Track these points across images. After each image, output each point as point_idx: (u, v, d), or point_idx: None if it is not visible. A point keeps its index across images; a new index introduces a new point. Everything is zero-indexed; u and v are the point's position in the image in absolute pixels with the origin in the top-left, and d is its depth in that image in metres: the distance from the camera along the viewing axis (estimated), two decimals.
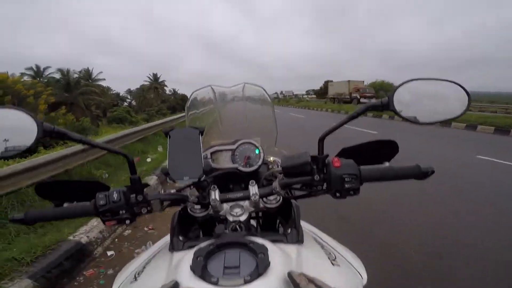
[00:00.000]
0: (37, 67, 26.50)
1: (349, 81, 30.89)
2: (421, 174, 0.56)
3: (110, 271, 2.18)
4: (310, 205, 3.01)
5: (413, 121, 0.55)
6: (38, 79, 24.26)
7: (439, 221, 2.91)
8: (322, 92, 57.15)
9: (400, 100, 0.54)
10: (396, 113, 0.54)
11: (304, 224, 0.73)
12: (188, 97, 1.05)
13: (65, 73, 24.70)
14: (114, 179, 4.37)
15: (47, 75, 26.48)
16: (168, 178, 0.58)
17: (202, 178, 0.60)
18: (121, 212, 0.55)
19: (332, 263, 0.59)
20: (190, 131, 0.63)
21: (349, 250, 0.74)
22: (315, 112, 23.44)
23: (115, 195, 0.55)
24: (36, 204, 2.93)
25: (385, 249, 2.41)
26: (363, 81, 33.54)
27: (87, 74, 30.99)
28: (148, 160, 5.64)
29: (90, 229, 2.50)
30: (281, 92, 71.79)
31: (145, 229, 2.95)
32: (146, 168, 4.88)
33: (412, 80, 0.55)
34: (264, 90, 1.03)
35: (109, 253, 2.46)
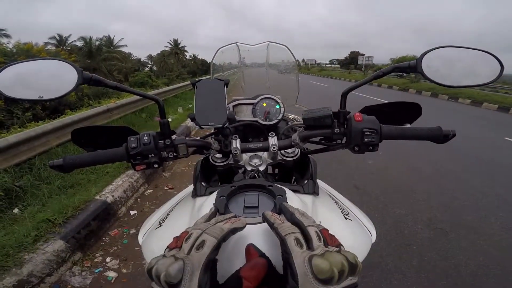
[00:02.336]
0: (60, 36, 27.16)
1: None
2: (442, 136, 0.56)
3: (133, 231, 2.32)
4: (328, 176, 3.05)
5: (440, 83, 0.54)
6: (62, 47, 24.92)
7: (451, 199, 2.86)
8: (347, 62, 54.79)
9: (429, 64, 0.54)
10: (423, 75, 0.54)
11: (319, 182, 0.76)
12: (214, 53, 1.06)
13: (87, 41, 25.12)
14: None
15: (70, 43, 27.17)
16: (194, 123, 0.61)
17: (226, 125, 0.62)
18: (150, 156, 0.57)
19: (344, 217, 0.61)
20: (216, 82, 0.65)
21: (360, 210, 0.76)
22: (338, 81, 22.63)
23: (145, 138, 0.57)
24: None
25: (393, 219, 2.44)
26: None
27: (108, 41, 31.32)
28: (169, 120, 5.78)
29: (115, 188, 2.62)
30: (303, 60, 69.35)
31: (165, 188, 3.08)
32: None
33: (443, 46, 0.54)
34: (289, 49, 1.03)
35: (132, 212, 2.59)
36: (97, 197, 2.43)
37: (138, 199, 2.85)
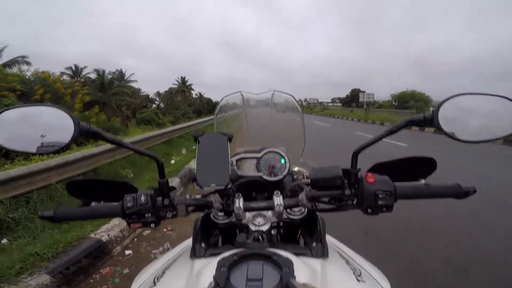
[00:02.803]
0: (76, 66, 28.33)
1: None
2: (462, 193, 0.53)
3: (126, 271, 2.19)
4: (336, 220, 2.93)
5: (460, 139, 0.50)
6: (76, 78, 26.00)
7: (467, 236, 2.76)
8: (348, 100, 56.30)
9: (446, 116, 0.50)
10: (441, 130, 0.50)
11: (328, 238, 0.70)
12: (219, 101, 1.06)
13: (100, 74, 26.21)
14: (139, 178, 4.53)
15: (84, 74, 28.20)
16: (195, 184, 0.58)
17: (229, 186, 0.59)
18: (147, 215, 0.55)
19: (357, 279, 0.56)
20: (219, 137, 0.63)
21: (374, 266, 0.71)
22: (340, 120, 23.04)
23: (142, 198, 0.55)
24: (64, 200, 3.03)
25: (407, 260, 2.32)
26: None
27: (120, 75, 32.61)
28: (172, 162, 5.77)
29: (112, 228, 2.54)
30: (305, 99, 71.30)
31: (164, 230, 2.96)
32: (170, 170, 4.97)
33: (459, 94, 0.51)
34: (294, 98, 1.02)
35: (127, 252, 2.48)
36: (92, 235, 2.35)
37: (135, 239, 2.74)
